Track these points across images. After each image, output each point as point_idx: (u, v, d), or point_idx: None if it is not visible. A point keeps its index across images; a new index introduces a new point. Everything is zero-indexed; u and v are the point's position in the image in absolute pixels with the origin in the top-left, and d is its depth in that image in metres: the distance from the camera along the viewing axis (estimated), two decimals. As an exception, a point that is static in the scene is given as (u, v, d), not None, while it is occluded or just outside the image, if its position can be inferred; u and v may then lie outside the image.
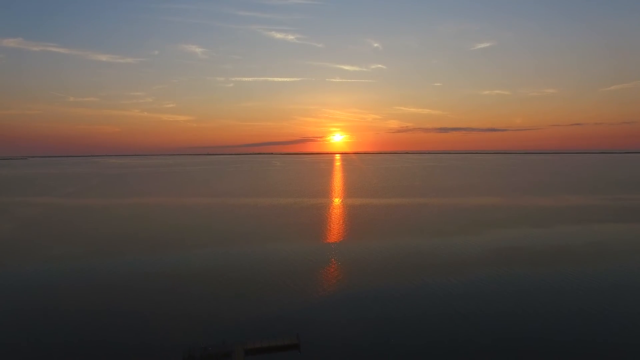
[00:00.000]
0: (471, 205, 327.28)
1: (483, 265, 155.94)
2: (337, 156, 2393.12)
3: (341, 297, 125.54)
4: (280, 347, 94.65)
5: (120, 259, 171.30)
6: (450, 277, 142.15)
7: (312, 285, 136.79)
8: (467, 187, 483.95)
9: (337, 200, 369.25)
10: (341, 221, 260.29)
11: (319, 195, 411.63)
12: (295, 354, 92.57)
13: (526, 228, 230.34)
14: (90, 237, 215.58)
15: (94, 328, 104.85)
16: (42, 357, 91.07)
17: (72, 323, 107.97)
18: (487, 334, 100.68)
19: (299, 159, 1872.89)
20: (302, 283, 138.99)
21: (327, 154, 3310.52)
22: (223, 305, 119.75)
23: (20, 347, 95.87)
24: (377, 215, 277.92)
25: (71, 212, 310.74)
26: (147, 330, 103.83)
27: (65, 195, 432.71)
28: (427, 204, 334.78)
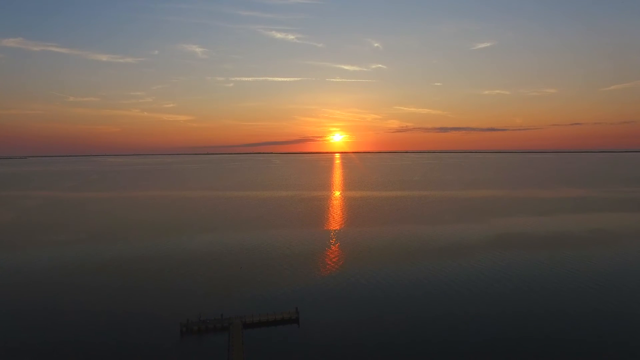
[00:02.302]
0: (471, 196, 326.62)
1: (483, 250, 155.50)
2: (337, 155, 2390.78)
3: (341, 276, 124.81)
4: (279, 320, 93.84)
5: (122, 243, 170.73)
6: (448, 260, 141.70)
7: (313, 265, 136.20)
8: (467, 181, 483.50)
9: (337, 193, 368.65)
10: (342, 211, 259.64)
11: (319, 188, 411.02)
12: (294, 327, 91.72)
13: (527, 216, 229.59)
14: (90, 224, 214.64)
15: (94, 304, 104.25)
16: (48, 330, 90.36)
17: (74, 300, 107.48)
18: (482, 314, 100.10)
19: (299, 158, 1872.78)
20: (303, 263, 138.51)
21: (327, 153, 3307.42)
22: (223, 283, 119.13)
23: (25, 322, 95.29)
24: (378, 206, 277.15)
25: (70, 203, 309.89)
26: (147, 305, 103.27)
27: (65, 189, 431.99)
28: (427, 196, 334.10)
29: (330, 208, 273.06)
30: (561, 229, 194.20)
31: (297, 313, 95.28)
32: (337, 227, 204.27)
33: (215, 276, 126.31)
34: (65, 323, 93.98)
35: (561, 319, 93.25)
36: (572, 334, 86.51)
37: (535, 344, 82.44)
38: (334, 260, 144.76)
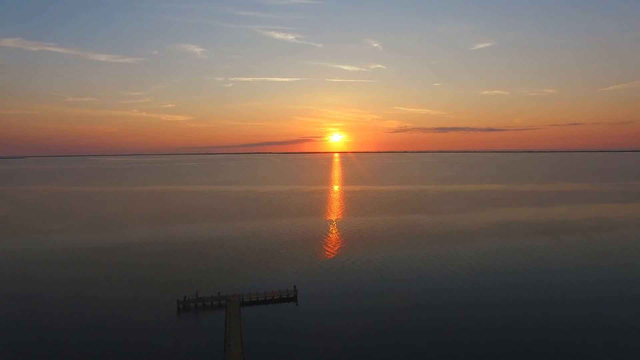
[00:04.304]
0: (472, 190, 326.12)
1: (482, 237, 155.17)
2: (336, 155, 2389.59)
3: (340, 259, 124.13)
4: (277, 299, 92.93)
5: (123, 230, 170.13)
6: (446, 246, 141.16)
7: (312, 249, 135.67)
8: (467, 177, 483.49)
9: (337, 187, 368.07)
10: (342, 202, 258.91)
11: (319, 183, 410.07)
12: (292, 305, 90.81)
13: (527, 207, 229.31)
14: (90, 214, 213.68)
15: (92, 285, 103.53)
16: (48, 308, 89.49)
17: (73, 281, 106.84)
18: (477, 296, 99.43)
19: (298, 157, 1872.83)
20: (302, 248, 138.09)
21: (326, 153, 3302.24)
22: (221, 265, 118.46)
23: (26, 301, 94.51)
24: (377, 199, 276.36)
25: (70, 196, 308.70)
26: (145, 283, 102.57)
27: (64, 184, 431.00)
28: (426, 190, 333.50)
29: (330, 200, 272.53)
30: (560, 218, 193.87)
31: (296, 291, 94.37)
32: (337, 217, 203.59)
33: (214, 259, 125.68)
34: (65, 301, 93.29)
35: (561, 306, 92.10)
36: (572, 320, 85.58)
37: (534, 330, 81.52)
38: (333, 245, 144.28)
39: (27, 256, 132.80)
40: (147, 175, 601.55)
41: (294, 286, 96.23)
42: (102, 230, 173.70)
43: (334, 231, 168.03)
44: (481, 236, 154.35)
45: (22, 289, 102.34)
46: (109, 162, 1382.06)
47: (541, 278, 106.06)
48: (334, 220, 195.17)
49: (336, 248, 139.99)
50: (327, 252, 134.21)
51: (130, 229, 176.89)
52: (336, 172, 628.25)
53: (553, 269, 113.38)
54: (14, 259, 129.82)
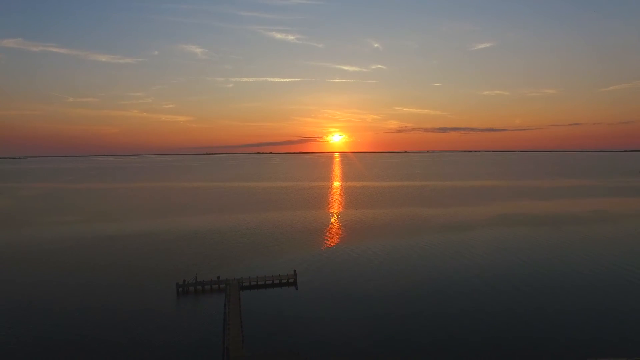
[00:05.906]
0: (473, 186, 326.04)
1: (482, 228, 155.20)
2: (336, 155, 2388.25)
3: (340, 246, 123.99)
4: (277, 283, 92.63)
5: (124, 221, 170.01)
6: (446, 236, 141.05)
7: (313, 238, 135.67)
8: (468, 173, 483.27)
9: (337, 183, 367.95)
10: (343, 197, 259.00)
11: (320, 179, 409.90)
12: (292, 290, 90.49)
13: (527, 201, 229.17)
14: (91, 207, 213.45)
15: (94, 270, 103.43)
16: (50, 293, 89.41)
17: (75, 267, 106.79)
18: (473, 286, 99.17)
19: (298, 157, 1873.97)
20: (303, 236, 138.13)
21: (326, 153, 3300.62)
22: (222, 252, 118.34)
23: (27, 290, 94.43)
24: (378, 193, 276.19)
25: (70, 192, 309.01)
26: (144, 268, 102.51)
27: (64, 181, 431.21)
28: (428, 185, 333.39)
29: (330, 194, 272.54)
30: (560, 210, 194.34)
31: (295, 276, 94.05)
32: (338, 209, 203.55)
33: (214, 247, 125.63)
34: (66, 286, 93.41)
35: (561, 294, 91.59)
36: (569, 305, 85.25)
37: (532, 318, 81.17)
38: (333, 234, 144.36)
39: (30, 246, 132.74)
40: (147, 173, 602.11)
41: (294, 270, 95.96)
42: (104, 221, 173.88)
43: (334, 222, 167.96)
44: (483, 227, 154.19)
45: (25, 276, 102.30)
46: (109, 162, 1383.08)
47: (544, 267, 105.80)
48: (334, 212, 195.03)
49: (337, 237, 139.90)
50: (327, 241, 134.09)
51: (131, 220, 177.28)
52: (337, 170, 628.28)
53: (556, 258, 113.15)
54: (17, 249, 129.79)
